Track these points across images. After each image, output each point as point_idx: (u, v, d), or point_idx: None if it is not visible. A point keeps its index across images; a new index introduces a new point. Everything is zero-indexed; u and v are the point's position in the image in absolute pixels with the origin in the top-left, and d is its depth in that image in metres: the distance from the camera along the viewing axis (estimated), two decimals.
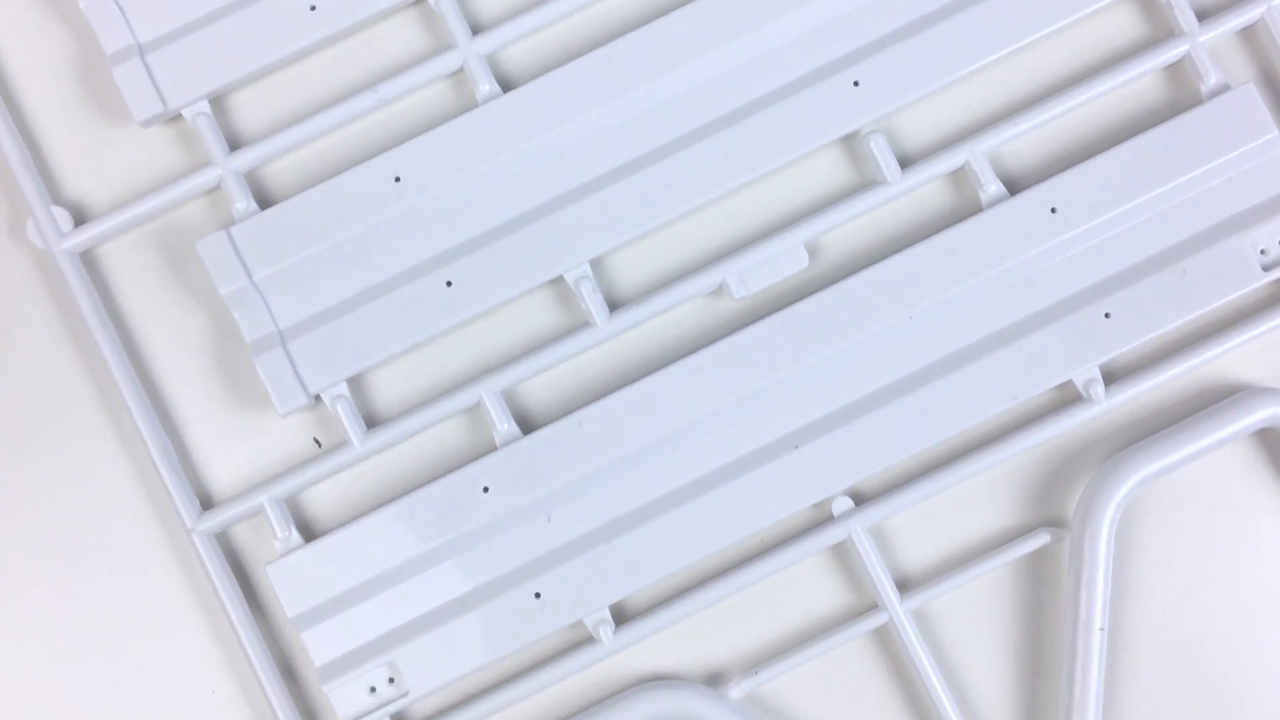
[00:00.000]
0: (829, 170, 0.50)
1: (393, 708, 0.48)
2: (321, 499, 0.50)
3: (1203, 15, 0.49)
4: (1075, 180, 0.48)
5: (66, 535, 0.50)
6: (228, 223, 0.49)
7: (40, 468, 0.50)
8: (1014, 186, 0.49)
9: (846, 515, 0.48)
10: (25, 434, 0.50)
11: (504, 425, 0.48)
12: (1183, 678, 0.48)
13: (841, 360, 0.48)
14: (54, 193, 0.50)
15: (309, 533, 0.49)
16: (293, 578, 0.48)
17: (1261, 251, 0.48)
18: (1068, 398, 0.49)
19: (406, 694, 0.48)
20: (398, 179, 0.49)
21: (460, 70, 0.49)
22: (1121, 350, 0.47)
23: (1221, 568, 0.49)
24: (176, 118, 0.50)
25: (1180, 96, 0.49)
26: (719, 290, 0.49)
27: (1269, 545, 0.49)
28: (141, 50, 0.49)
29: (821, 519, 0.49)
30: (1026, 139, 0.49)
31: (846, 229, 0.50)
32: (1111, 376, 0.48)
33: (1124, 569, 0.49)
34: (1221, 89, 0.48)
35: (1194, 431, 0.47)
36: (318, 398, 0.49)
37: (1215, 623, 0.49)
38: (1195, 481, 0.49)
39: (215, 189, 0.49)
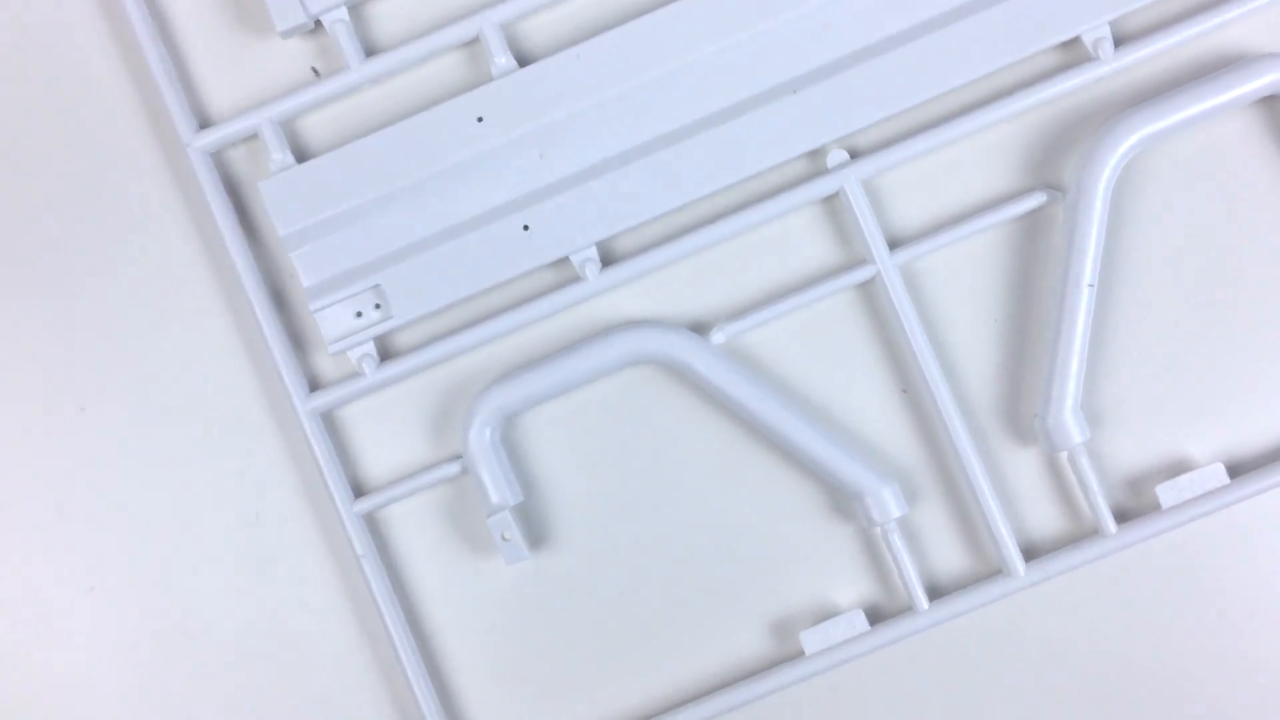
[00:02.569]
0: None
1: (376, 330, 0.48)
2: (318, 129, 0.50)
3: None
4: None
5: (77, 148, 0.51)
6: None
7: (51, 85, 0.51)
8: None
9: (841, 167, 0.48)
10: (40, 44, 0.51)
11: (501, 58, 0.48)
12: (1166, 339, 0.49)
13: (845, 4, 0.47)
14: None
15: (304, 157, 0.50)
16: (285, 196, 0.49)
17: None
18: (1076, 58, 0.48)
19: (391, 318, 0.48)
20: None
21: None
22: (1133, 7, 0.47)
23: (1216, 234, 0.49)
24: None
25: None
26: None
27: (1265, 215, 0.48)
28: None
29: (816, 171, 0.49)
30: None
31: None
32: (1121, 39, 0.48)
33: (1118, 231, 0.49)
34: None
35: (1196, 93, 0.47)
36: (318, 22, 0.49)
37: (1204, 286, 0.48)
38: (1196, 149, 0.49)
39: None
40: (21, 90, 0.51)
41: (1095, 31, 0.47)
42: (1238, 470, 0.48)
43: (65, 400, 0.51)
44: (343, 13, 0.49)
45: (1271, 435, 0.48)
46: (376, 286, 0.49)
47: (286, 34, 0.49)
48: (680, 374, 0.49)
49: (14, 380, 0.51)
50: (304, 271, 0.49)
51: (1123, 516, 0.48)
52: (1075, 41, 0.48)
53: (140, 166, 0.50)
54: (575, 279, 0.49)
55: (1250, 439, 0.48)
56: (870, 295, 0.49)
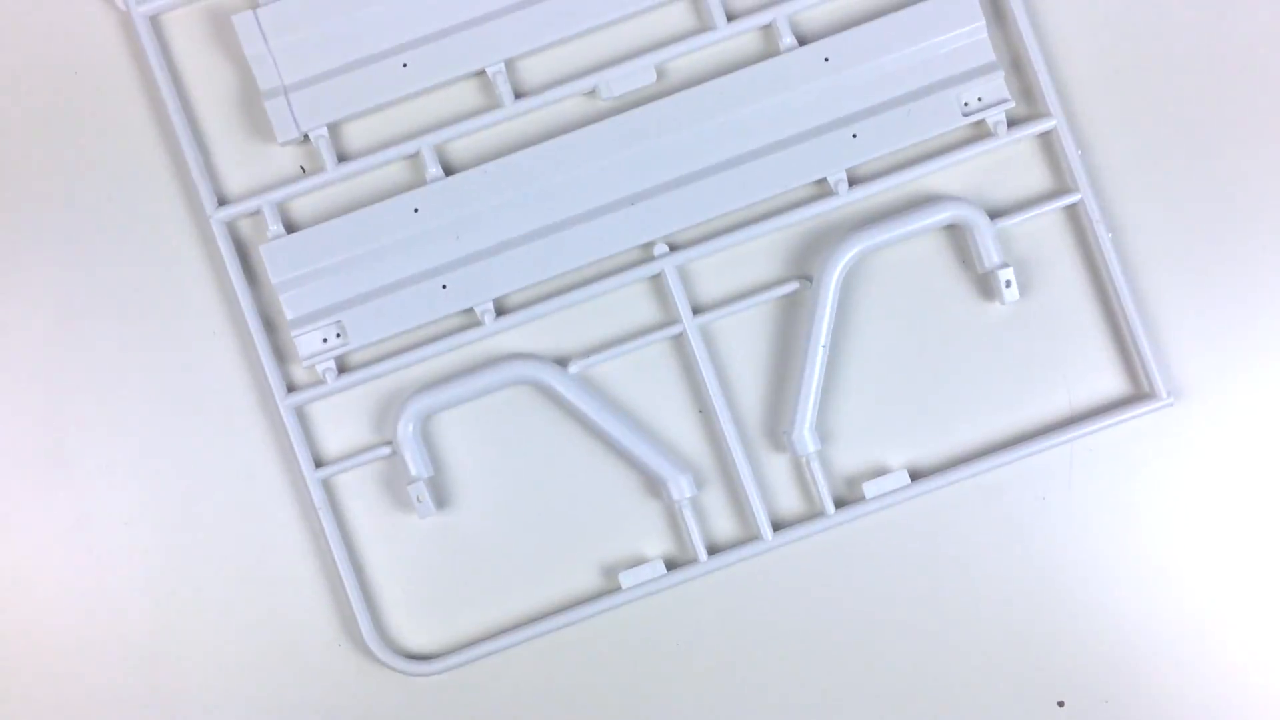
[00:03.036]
0: (679, 15, 0.71)
1: (337, 351, 0.69)
2: (303, 208, 0.71)
3: None
4: (844, 40, 0.69)
5: (120, 220, 0.71)
6: (255, 5, 0.70)
7: (105, 172, 0.71)
8: (803, 40, 0.70)
9: (663, 255, 0.70)
10: (97, 147, 0.71)
11: (434, 169, 0.70)
12: (875, 382, 0.70)
13: (671, 148, 0.69)
14: None
15: (292, 230, 0.71)
16: (278, 256, 0.69)
17: (965, 103, 0.69)
18: (823, 191, 0.70)
19: (347, 344, 0.69)
20: None
21: None
22: (862, 161, 0.69)
23: (913, 312, 0.70)
24: None
25: None
26: (593, 92, 0.70)
27: (945, 301, 0.70)
28: None
29: (646, 257, 0.70)
30: (817, 9, 0.70)
31: (686, 58, 0.71)
32: (854, 180, 0.70)
33: (847, 309, 0.70)
34: None
35: (901, 220, 0.69)
36: (307, 136, 0.70)
37: (903, 349, 0.70)
38: (903, 255, 0.70)
39: None
40: (88, 177, 0.71)
41: (836, 175, 0.69)
42: (917, 474, 0.70)
43: (111, 398, 0.71)
44: (324, 131, 0.69)
45: (941, 451, 0.70)
46: (338, 320, 0.69)
47: (285, 143, 0.70)
48: (548, 393, 0.70)
49: (66, 372, 0.71)
50: (289, 308, 0.69)
51: (840, 503, 0.70)
52: (823, 181, 0.70)
53: (174, 231, 0.71)
54: (477, 323, 0.70)
55: (927, 453, 0.70)
56: (680, 345, 0.71)
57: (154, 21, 0.71)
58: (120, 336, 0.71)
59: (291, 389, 0.70)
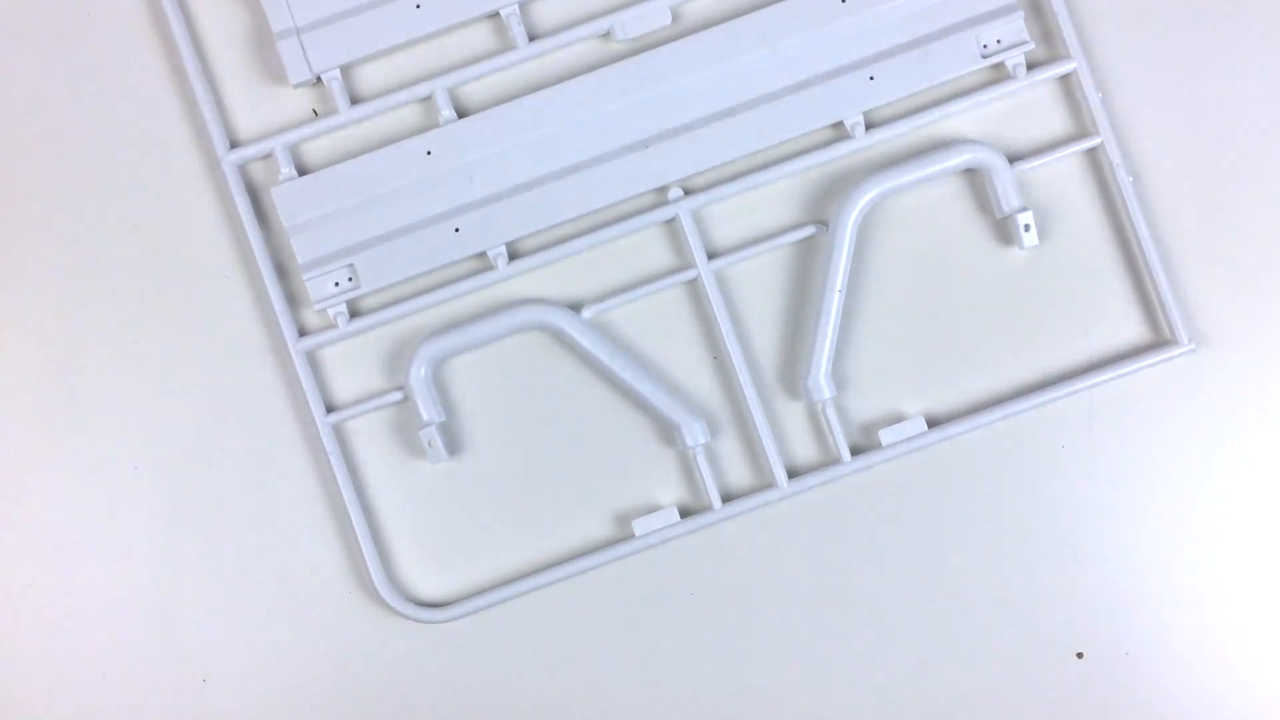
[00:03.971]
0: None
1: (349, 295, 0.69)
2: (315, 150, 0.71)
3: None
4: None
5: (131, 161, 0.71)
6: None
7: (115, 113, 0.71)
8: None
9: (678, 200, 0.69)
10: (109, 86, 0.71)
11: (446, 111, 0.69)
12: (892, 329, 0.69)
13: (686, 91, 0.68)
14: None
15: (304, 173, 0.70)
16: (290, 199, 0.69)
17: (983, 45, 0.68)
18: (840, 135, 0.69)
19: (359, 288, 0.69)
20: None
21: None
22: (879, 104, 0.68)
23: (929, 259, 0.69)
24: None
25: None
26: (608, 34, 0.70)
27: (963, 247, 0.70)
28: None
29: (660, 201, 0.70)
30: None
31: (702, 1, 0.70)
32: (871, 123, 0.69)
33: (863, 254, 0.69)
34: None
35: (918, 164, 0.68)
36: (319, 78, 0.69)
37: (919, 295, 0.69)
38: (920, 200, 0.70)
39: None
40: (100, 119, 0.71)
41: (853, 119, 0.69)
42: (934, 422, 0.69)
43: (123, 342, 0.71)
44: (336, 73, 0.69)
45: (959, 399, 0.69)
46: (350, 264, 0.69)
47: (297, 85, 0.69)
48: (560, 338, 0.69)
49: (81, 330, 0.71)
50: (300, 251, 0.69)
51: (856, 451, 0.69)
52: (839, 125, 0.69)
53: (187, 173, 0.70)
54: (490, 268, 0.70)
55: (944, 401, 0.69)
56: (694, 290, 0.70)
57: None
58: (130, 280, 0.71)
59: (303, 333, 0.70)
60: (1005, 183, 0.68)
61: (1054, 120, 0.70)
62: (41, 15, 0.71)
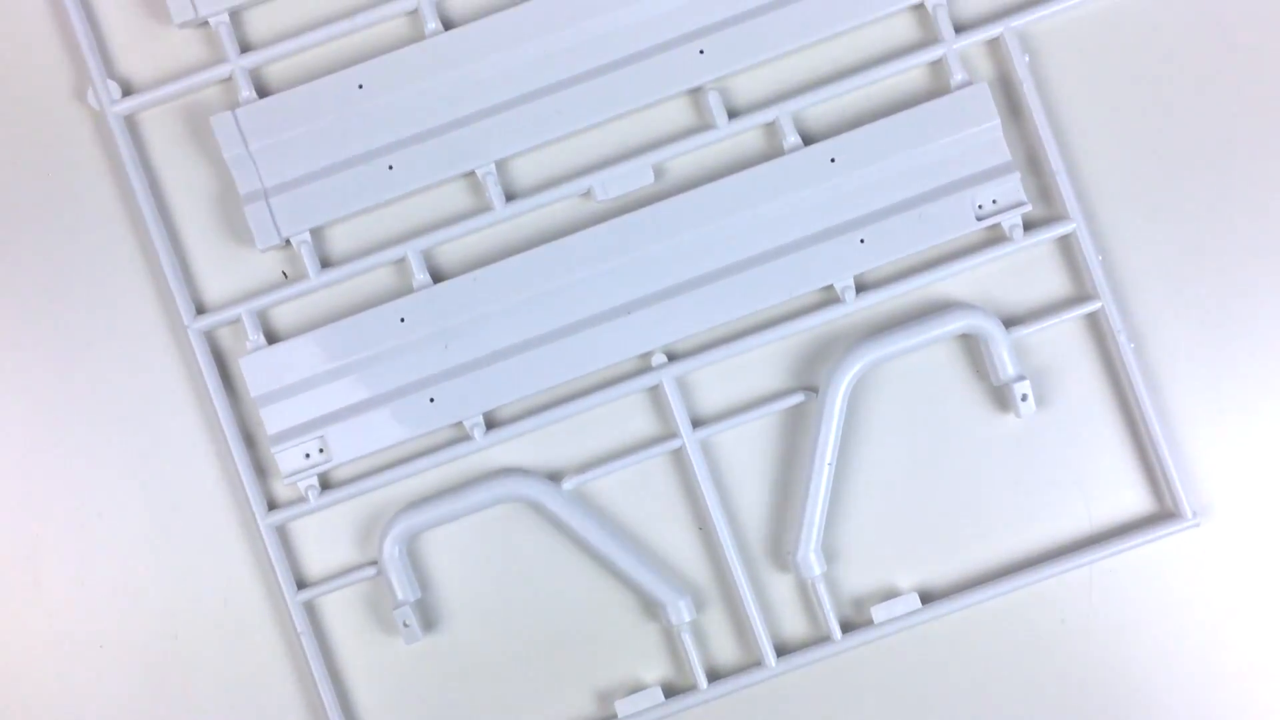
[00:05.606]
0: (678, 113, 0.67)
1: (320, 469, 0.66)
2: (285, 315, 0.68)
3: (960, 28, 0.66)
4: (851, 140, 0.65)
5: (95, 328, 0.68)
6: (235, 105, 0.67)
7: (79, 277, 0.68)
8: (808, 139, 0.66)
9: (661, 366, 0.66)
10: (71, 251, 0.68)
11: (420, 275, 0.67)
12: (884, 500, 0.67)
13: (670, 253, 0.66)
14: (110, 69, 0.68)
15: (273, 339, 0.67)
16: (258, 369, 0.66)
17: (979, 205, 0.65)
18: (829, 298, 0.67)
19: (330, 461, 0.66)
20: (360, 86, 0.66)
21: (415, 10, 0.67)
22: (871, 268, 0.66)
23: (924, 427, 0.67)
24: (205, 23, 0.67)
25: (937, 86, 0.67)
26: (588, 193, 0.67)
27: (959, 414, 0.67)
28: None
29: (643, 367, 0.67)
30: (822, 106, 0.67)
31: (685, 158, 0.67)
32: (862, 285, 0.67)
33: (856, 420, 0.67)
34: (964, 84, 0.66)
35: (910, 331, 0.65)
36: (288, 241, 0.67)
37: (914, 465, 0.67)
38: (915, 364, 0.67)
39: (228, 79, 0.67)
40: (59, 277, 0.68)
41: (843, 282, 0.66)
42: (929, 597, 0.67)
43: (85, 514, 0.68)
44: (306, 236, 0.66)
45: (954, 572, 0.67)
46: (321, 435, 0.66)
47: (265, 250, 0.67)
48: (540, 510, 0.67)
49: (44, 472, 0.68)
50: (269, 423, 0.66)
51: (847, 627, 0.67)
52: (829, 288, 0.66)
53: (151, 338, 0.68)
54: (466, 437, 0.67)
55: (939, 574, 0.67)
56: (679, 459, 0.68)
57: (129, 121, 0.68)
58: (96, 450, 0.68)
59: (273, 506, 0.68)
60: (1001, 350, 0.65)
61: (1052, 281, 0.67)
62: (4, 174, 0.68)
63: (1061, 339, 0.67)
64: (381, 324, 0.66)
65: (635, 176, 0.67)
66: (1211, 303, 0.67)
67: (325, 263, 0.68)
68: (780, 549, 0.67)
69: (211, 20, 0.67)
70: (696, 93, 0.67)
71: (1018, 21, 0.66)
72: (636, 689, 0.67)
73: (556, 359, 0.66)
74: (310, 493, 0.66)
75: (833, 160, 0.66)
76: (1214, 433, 0.67)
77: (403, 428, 0.66)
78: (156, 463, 0.68)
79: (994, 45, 0.67)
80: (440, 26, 0.67)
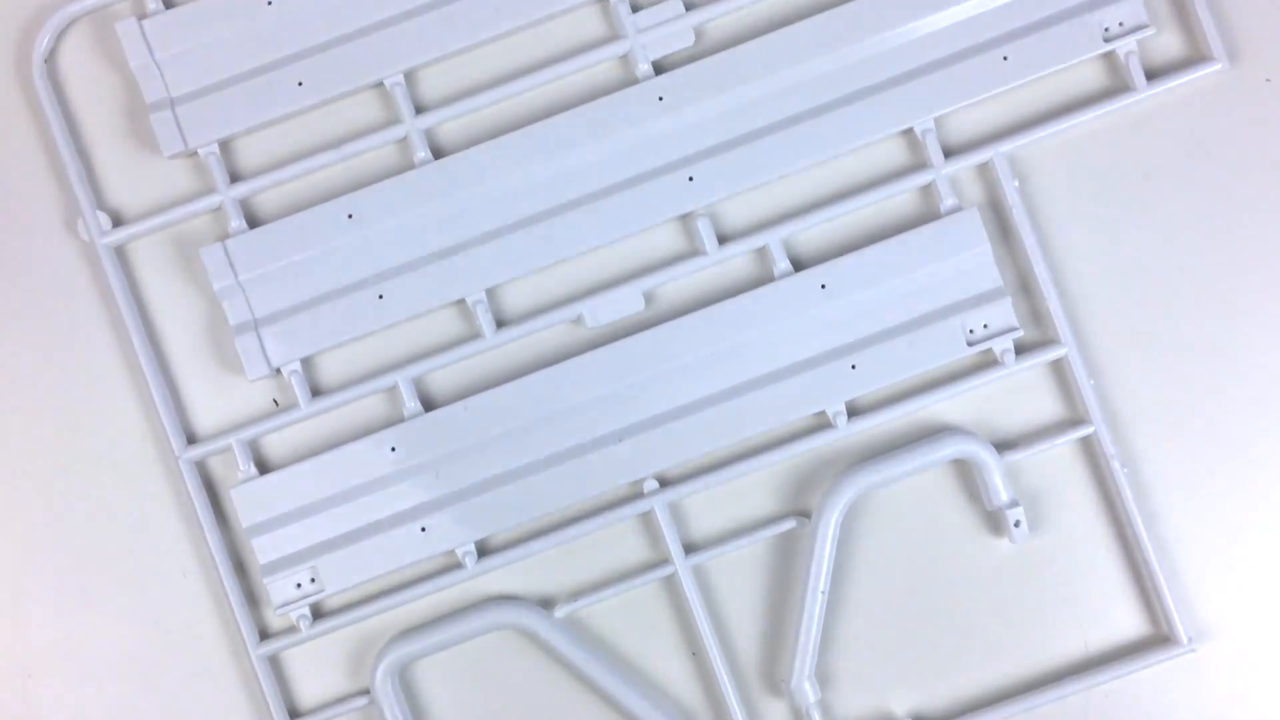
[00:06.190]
0: (668, 239, 0.67)
1: (312, 599, 0.66)
2: (276, 444, 0.68)
3: (949, 152, 0.66)
4: (841, 266, 0.65)
5: (86, 457, 0.68)
6: (224, 235, 0.67)
7: (70, 406, 0.68)
8: (798, 264, 0.66)
9: (653, 493, 0.66)
10: (62, 380, 0.68)
11: (411, 404, 0.66)
12: (878, 625, 0.67)
13: (661, 380, 0.66)
14: (100, 201, 0.68)
15: (264, 467, 0.67)
16: (249, 500, 0.66)
17: (970, 330, 0.65)
18: (821, 423, 0.67)
19: (322, 590, 0.66)
20: (350, 216, 0.66)
21: (404, 138, 0.67)
22: (862, 393, 0.65)
23: (920, 552, 0.67)
24: (194, 154, 0.67)
25: (927, 210, 0.67)
26: (578, 320, 0.67)
27: (951, 539, 0.67)
28: (173, 102, 0.67)
29: (635, 494, 0.67)
30: (812, 231, 0.67)
31: (676, 284, 0.67)
32: (854, 410, 0.66)
33: (850, 546, 0.66)
34: (954, 209, 0.66)
35: (903, 458, 0.65)
36: (279, 370, 0.67)
37: (907, 591, 0.67)
38: (907, 488, 0.67)
39: (218, 209, 0.67)
40: (49, 407, 0.68)
41: (834, 408, 0.66)
42: None
43: (75, 642, 0.68)
44: (297, 365, 0.66)
45: (949, 698, 0.66)
46: (313, 565, 0.66)
47: (255, 379, 0.67)
48: (533, 638, 0.67)
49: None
50: (260, 553, 0.66)
51: None
52: (821, 413, 0.66)
53: (142, 468, 0.68)
54: (458, 565, 0.67)
55: (934, 699, 0.66)
56: (671, 585, 0.67)
57: (119, 251, 0.68)
58: (87, 580, 0.68)
59: (264, 635, 0.67)
60: (994, 477, 0.65)
61: (1045, 404, 0.67)
62: None
63: (1055, 463, 0.67)
64: (373, 453, 0.66)
65: (626, 303, 0.67)
66: (1204, 426, 0.66)
67: (316, 390, 0.68)
68: (775, 674, 0.67)
69: (201, 151, 0.67)
70: (686, 218, 0.67)
71: (1006, 146, 0.66)
72: None
73: (548, 487, 0.66)
74: (302, 622, 0.66)
75: (823, 286, 0.66)
76: (1209, 557, 0.66)
77: (394, 557, 0.66)
78: (148, 592, 0.68)
79: (983, 170, 0.67)
80: (430, 155, 0.67)
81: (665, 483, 0.67)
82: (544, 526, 0.67)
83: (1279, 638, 0.66)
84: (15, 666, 0.68)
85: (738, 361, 0.66)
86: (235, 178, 0.68)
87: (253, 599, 0.68)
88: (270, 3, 0.67)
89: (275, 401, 0.68)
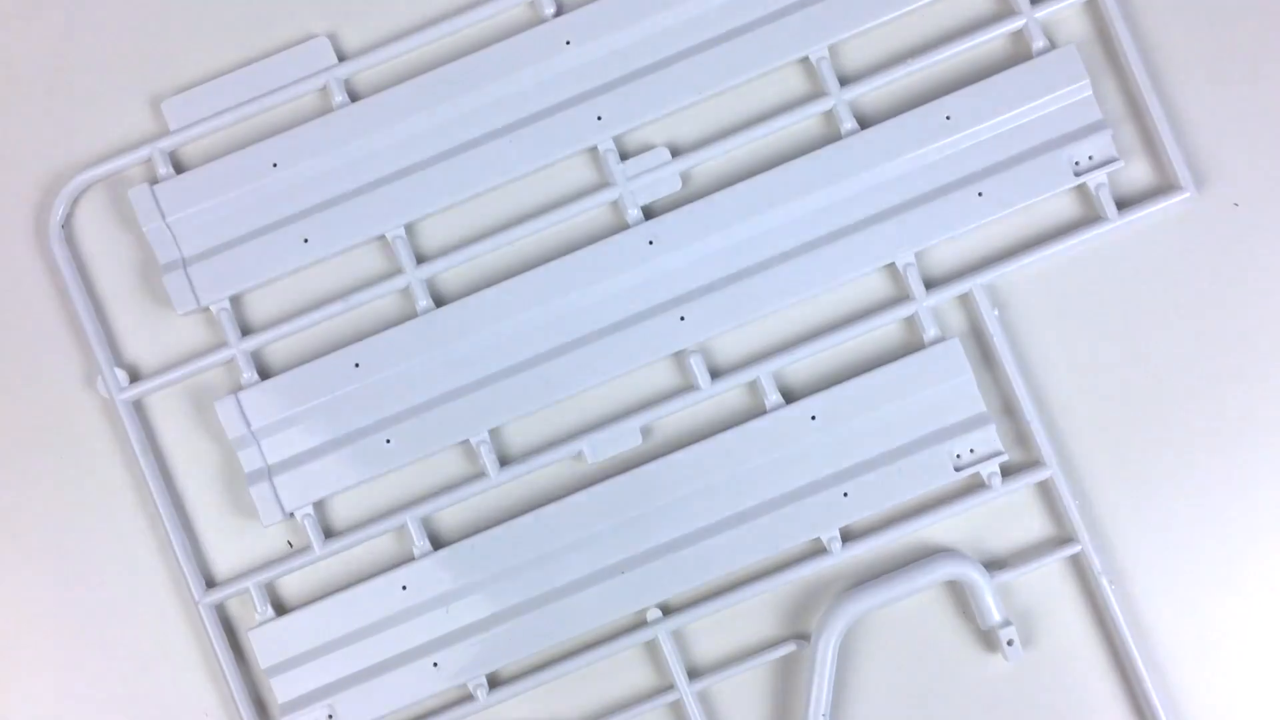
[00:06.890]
0: (662, 374, 0.70)
1: None
2: (292, 584, 0.70)
3: (930, 284, 0.69)
4: (830, 397, 0.68)
5: (110, 604, 0.70)
6: (237, 388, 0.70)
7: (92, 555, 0.71)
8: (789, 396, 0.69)
9: (656, 622, 0.68)
10: (85, 530, 0.71)
11: (421, 542, 0.69)
12: None
13: (660, 512, 0.68)
14: (117, 358, 0.71)
15: (281, 609, 0.70)
16: (267, 640, 0.69)
17: (956, 455, 0.68)
18: (816, 549, 0.69)
19: None
20: (357, 365, 0.69)
21: (407, 288, 0.70)
22: (854, 520, 0.68)
23: (908, 672, 0.68)
24: (206, 310, 0.70)
25: (910, 341, 0.69)
26: (579, 456, 0.69)
27: (950, 663, 0.69)
28: (185, 262, 0.70)
29: (638, 623, 0.69)
30: (801, 363, 0.69)
31: (671, 418, 0.70)
32: (848, 536, 0.69)
33: (850, 664, 0.68)
34: (937, 340, 0.68)
35: (896, 582, 0.67)
36: (292, 514, 0.69)
37: (910, 715, 0.69)
38: (902, 610, 0.69)
39: (230, 362, 0.70)
40: (71, 556, 0.71)
41: (828, 534, 0.68)
42: None
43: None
44: (310, 509, 0.69)
45: None
46: (330, 703, 0.69)
47: (269, 525, 0.69)
48: None
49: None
50: (279, 692, 0.68)
51: None
52: (816, 539, 0.69)
53: (162, 612, 0.70)
54: (470, 698, 0.69)
55: None
56: (677, 710, 0.69)
57: (136, 404, 0.71)
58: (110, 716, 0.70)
59: None
60: (986, 597, 0.67)
61: (1033, 524, 0.69)
62: (11, 461, 0.71)
63: (1045, 580, 0.69)
64: (385, 592, 0.69)
65: (624, 438, 0.69)
66: (1189, 539, 0.68)
67: (328, 531, 0.70)
68: None
69: (213, 307, 0.70)
70: (679, 355, 0.70)
71: (985, 277, 0.68)
72: None
73: (555, 619, 0.68)
74: None
75: (813, 417, 0.68)
76: (1199, 670, 0.68)
77: (409, 692, 0.68)
78: None
79: (964, 300, 0.69)
80: (431, 303, 0.70)
81: (668, 611, 0.69)
82: (552, 656, 0.69)
83: None
84: None
85: (734, 491, 0.68)
86: (246, 331, 0.71)
87: None
88: (275, 165, 0.70)
89: (289, 544, 0.70)
